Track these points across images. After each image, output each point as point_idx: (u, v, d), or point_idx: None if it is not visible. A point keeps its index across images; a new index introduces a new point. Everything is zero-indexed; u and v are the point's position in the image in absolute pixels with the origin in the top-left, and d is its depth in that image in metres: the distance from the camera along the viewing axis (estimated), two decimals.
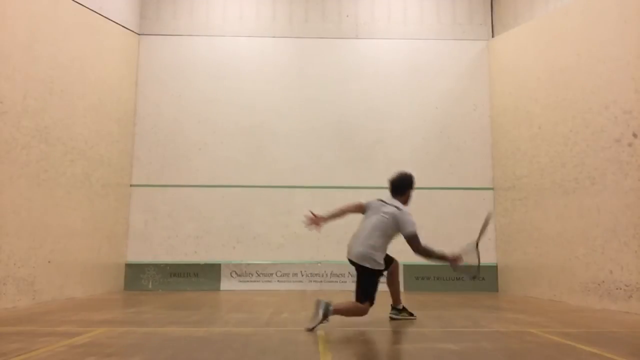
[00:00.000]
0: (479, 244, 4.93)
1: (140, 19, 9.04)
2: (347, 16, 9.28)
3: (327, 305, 4.39)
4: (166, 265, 8.49)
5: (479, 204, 8.79)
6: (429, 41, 9.22)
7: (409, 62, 9.18)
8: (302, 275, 8.60)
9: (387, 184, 5.11)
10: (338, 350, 3.62)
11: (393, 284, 5.23)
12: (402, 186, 5.02)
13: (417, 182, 8.69)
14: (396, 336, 4.28)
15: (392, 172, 8.66)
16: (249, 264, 8.59)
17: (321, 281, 8.61)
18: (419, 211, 9.11)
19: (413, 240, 4.68)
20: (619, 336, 4.48)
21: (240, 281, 8.53)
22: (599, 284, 6.57)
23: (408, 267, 8.48)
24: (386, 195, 5.01)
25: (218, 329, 4.54)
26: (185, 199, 8.70)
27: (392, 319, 5.13)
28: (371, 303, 4.61)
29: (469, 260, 4.80)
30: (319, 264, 8.63)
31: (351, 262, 4.78)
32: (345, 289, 8.49)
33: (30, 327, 4.52)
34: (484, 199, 8.79)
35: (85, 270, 7.39)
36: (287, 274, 8.59)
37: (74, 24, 7.34)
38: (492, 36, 9.16)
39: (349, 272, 8.61)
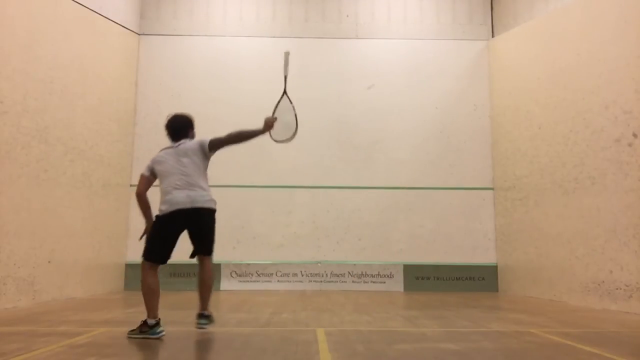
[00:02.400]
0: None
1: (140, 19, 9.04)
2: (347, 16, 9.28)
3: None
4: (166, 265, 8.47)
5: (479, 204, 8.80)
6: (429, 41, 9.21)
7: (409, 62, 9.18)
8: (302, 275, 8.59)
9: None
10: (338, 350, 3.62)
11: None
12: (184, 128, 4.36)
13: (417, 182, 8.89)
14: (396, 336, 4.28)
15: (392, 172, 8.79)
16: (249, 264, 8.59)
17: (321, 281, 8.61)
18: (419, 211, 9.22)
19: (215, 139, 4.30)
20: (619, 336, 4.48)
21: (240, 281, 8.53)
22: (599, 284, 6.57)
23: (408, 267, 8.49)
24: (168, 145, 4.35)
25: (218, 329, 4.53)
26: None
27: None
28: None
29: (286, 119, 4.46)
30: (319, 264, 8.63)
31: (185, 212, 4.07)
32: (345, 289, 8.50)
33: (30, 327, 4.52)
34: (484, 199, 8.79)
35: (85, 270, 7.39)
36: (287, 274, 8.59)
37: (74, 24, 7.34)
38: (492, 36, 9.16)
39: (349, 272, 8.64)
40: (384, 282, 8.51)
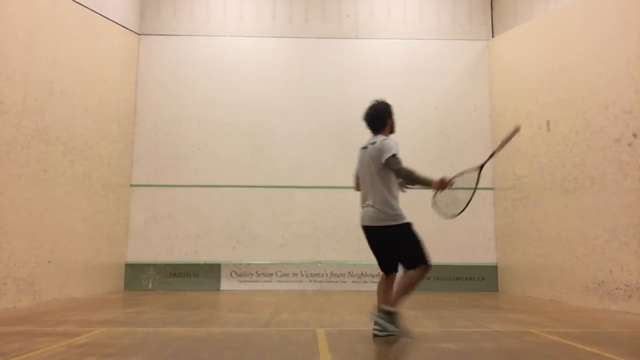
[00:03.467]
0: (484, 166, 4.16)
1: (140, 19, 9.04)
2: (347, 16, 9.27)
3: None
4: (166, 265, 8.49)
5: (479, 204, 8.78)
6: (429, 41, 9.21)
7: (409, 62, 9.17)
8: (302, 275, 8.59)
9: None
10: (338, 351, 3.62)
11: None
12: (375, 119, 4.32)
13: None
14: (396, 336, 4.28)
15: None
16: (249, 264, 8.59)
17: (321, 281, 8.61)
18: (419, 211, 9.17)
19: (392, 163, 4.15)
20: (619, 336, 4.48)
21: (240, 281, 8.53)
22: (599, 284, 6.57)
23: None
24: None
25: (218, 329, 4.54)
26: (185, 199, 8.70)
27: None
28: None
29: (461, 188, 4.05)
30: (319, 264, 8.63)
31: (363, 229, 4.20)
32: (345, 289, 8.50)
33: (30, 327, 4.52)
34: (484, 199, 8.78)
35: (85, 271, 7.39)
36: (287, 274, 8.59)
37: (74, 24, 7.34)
38: (492, 36, 9.16)
39: (349, 272, 8.64)
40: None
